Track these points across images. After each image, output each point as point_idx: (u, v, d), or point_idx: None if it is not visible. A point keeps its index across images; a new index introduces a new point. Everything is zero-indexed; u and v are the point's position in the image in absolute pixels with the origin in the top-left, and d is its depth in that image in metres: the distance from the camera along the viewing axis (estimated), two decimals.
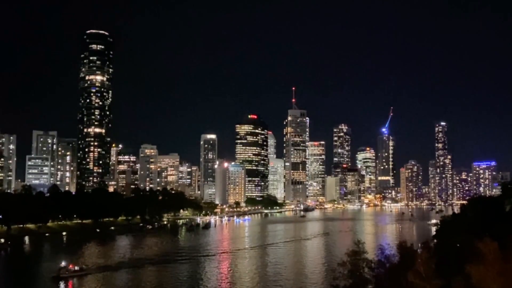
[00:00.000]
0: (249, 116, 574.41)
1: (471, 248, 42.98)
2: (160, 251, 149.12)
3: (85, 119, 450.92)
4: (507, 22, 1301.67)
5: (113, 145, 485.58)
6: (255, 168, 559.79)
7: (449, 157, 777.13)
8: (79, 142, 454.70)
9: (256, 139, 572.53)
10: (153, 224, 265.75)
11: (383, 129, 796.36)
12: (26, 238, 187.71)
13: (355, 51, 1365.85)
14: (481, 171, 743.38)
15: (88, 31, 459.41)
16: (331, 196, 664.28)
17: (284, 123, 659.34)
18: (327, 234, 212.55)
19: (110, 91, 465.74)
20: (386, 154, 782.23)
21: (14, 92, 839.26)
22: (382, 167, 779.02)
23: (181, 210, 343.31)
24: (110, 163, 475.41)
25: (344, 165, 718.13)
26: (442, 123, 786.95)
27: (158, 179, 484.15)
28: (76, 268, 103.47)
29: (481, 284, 38.92)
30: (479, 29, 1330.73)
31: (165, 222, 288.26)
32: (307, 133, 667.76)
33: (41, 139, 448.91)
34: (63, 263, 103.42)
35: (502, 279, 38.28)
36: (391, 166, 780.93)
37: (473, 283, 39.56)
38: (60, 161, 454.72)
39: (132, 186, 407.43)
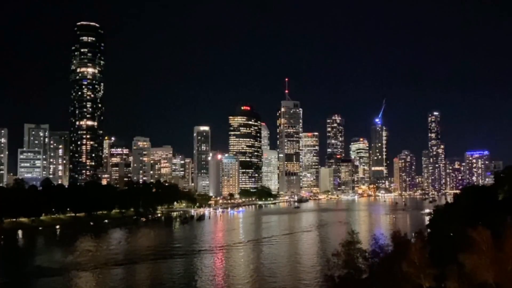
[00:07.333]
0: (242, 108, 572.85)
1: (464, 237, 43.01)
2: (152, 244, 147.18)
3: (77, 112, 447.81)
4: (499, 11, 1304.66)
5: (106, 138, 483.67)
6: (248, 159, 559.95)
7: (442, 146, 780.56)
8: (71, 135, 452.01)
9: (250, 131, 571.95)
10: (147, 216, 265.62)
11: (377, 120, 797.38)
12: (19, 232, 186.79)
13: (347, 41, 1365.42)
14: (474, 161, 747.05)
15: (79, 23, 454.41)
16: (325, 187, 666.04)
17: (278, 114, 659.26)
18: (322, 226, 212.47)
19: (102, 84, 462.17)
20: (379, 144, 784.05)
21: (5, 85, 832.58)
22: (375, 158, 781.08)
23: (175, 203, 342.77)
24: (103, 156, 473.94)
25: (338, 156, 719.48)
26: (435, 113, 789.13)
27: (151, 172, 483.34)
28: None
29: (475, 272, 38.99)
30: (471, 18, 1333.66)
31: (159, 215, 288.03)
32: (301, 124, 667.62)
33: (33, 132, 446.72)
34: None
35: (495, 267, 38.38)
36: (384, 157, 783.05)
37: (467, 271, 39.63)
38: (52, 154, 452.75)
39: (125, 179, 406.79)
